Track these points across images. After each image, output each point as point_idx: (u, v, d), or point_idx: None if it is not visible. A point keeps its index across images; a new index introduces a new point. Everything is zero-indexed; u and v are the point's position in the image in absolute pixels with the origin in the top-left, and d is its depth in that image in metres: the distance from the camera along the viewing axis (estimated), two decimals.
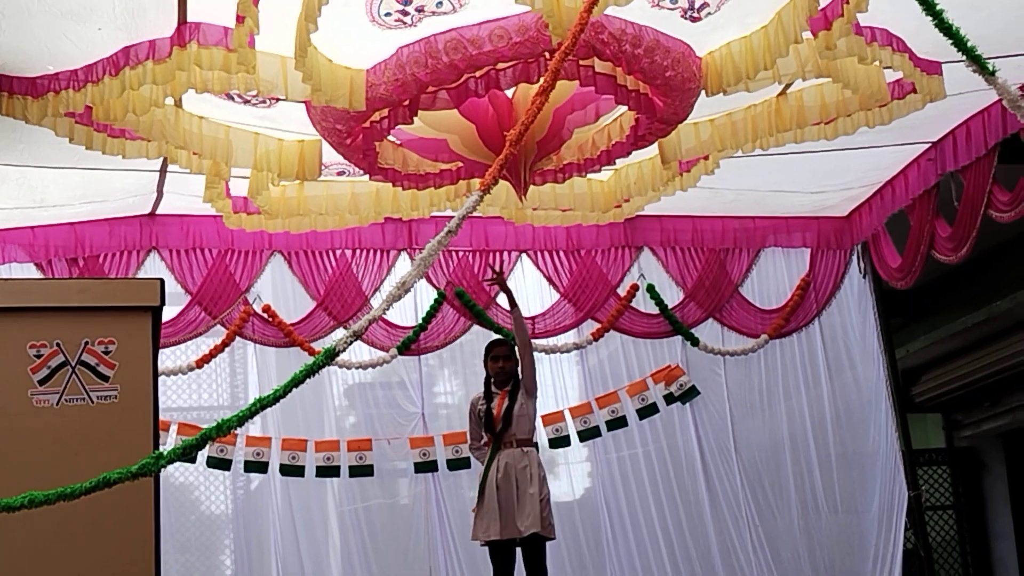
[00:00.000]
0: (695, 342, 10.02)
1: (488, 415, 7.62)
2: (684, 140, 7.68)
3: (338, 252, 9.61)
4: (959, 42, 5.14)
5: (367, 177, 7.87)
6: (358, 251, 9.63)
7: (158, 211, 9.19)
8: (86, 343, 4.16)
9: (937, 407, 13.68)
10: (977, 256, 8.89)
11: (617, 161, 7.82)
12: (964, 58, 5.22)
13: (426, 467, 9.50)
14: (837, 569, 9.92)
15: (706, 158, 8.07)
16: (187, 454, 4.29)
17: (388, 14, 6.05)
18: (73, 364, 4.15)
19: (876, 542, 9.88)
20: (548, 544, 7.50)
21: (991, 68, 5.21)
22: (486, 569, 7.73)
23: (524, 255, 9.97)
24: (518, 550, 7.44)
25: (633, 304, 10.02)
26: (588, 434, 9.79)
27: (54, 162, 7.58)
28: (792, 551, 9.91)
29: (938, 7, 5.11)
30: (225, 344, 9.39)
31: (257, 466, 9.29)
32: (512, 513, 7.35)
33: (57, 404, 4.10)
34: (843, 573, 9.93)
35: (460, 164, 7.50)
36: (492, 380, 7.76)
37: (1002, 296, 11.33)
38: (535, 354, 8.07)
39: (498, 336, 8.85)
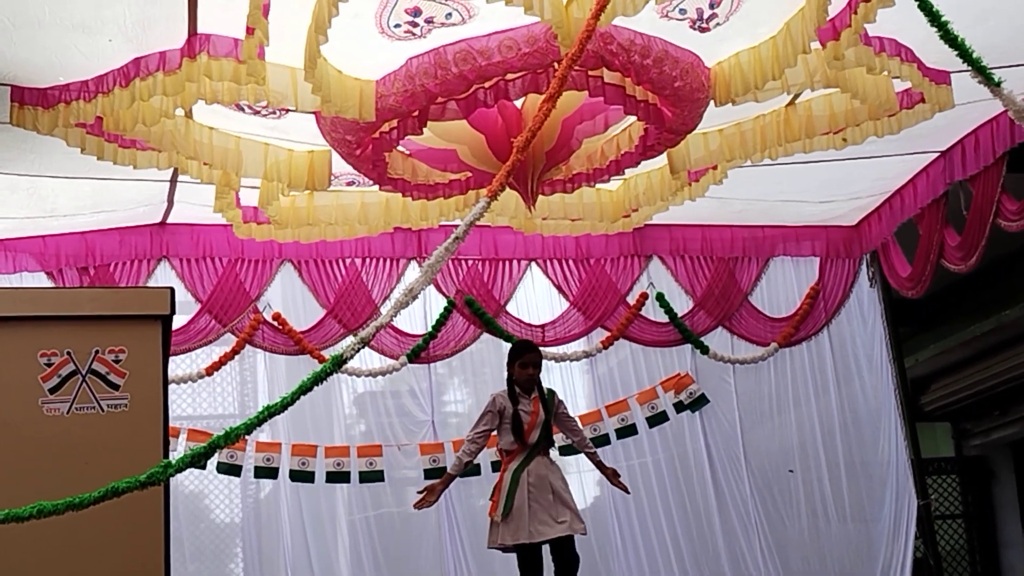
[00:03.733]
0: (704, 350, 10.03)
1: (517, 420, 7.17)
2: (693, 150, 7.69)
3: (348, 261, 9.62)
4: (964, 53, 5.13)
5: (376, 187, 7.90)
6: (368, 260, 9.65)
7: (168, 220, 9.22)
8: (96, 352, 4.15)
9: (946, 416, 13.65)
10: (986, 265, 8.88)
11: (626, 171, 7.83)
12: (970, 69, 5.23)
13: (436, 474, 9.31)
14: None
15: (715, 168, 8.08)
16: (195, 462, 4.28)
17: (398, 25, 6.07)
18: (83, 373, 4.14)
19: (885, 551, 9.87)
20: None
21: (996, 79, 5.20)
22: None
23: (534, 263, 9.99)
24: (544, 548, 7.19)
25: (642, 312, 10.04)
26: (598, 442, 9.66)
27: (65, 172, 7.61)
28: (801, 559, 9.90)
29: (944, 18, 5.11)
30: (235, 352, 9.40)
31: (267, 472, 9.27)
32: (548, 516, 7.07)
33: (67, 413, 4.09)
34: None
35: (469, 174, 7.52)
36: (516, 383, 7.27)
37: (1011, 305, 11.32)
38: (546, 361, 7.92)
39: (527, 340, 8.35)
